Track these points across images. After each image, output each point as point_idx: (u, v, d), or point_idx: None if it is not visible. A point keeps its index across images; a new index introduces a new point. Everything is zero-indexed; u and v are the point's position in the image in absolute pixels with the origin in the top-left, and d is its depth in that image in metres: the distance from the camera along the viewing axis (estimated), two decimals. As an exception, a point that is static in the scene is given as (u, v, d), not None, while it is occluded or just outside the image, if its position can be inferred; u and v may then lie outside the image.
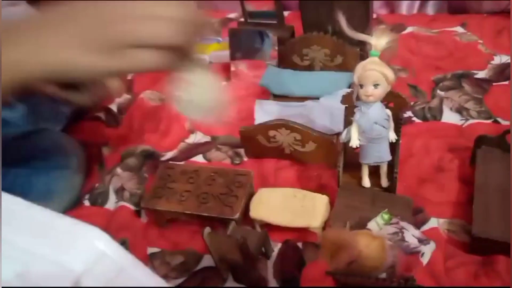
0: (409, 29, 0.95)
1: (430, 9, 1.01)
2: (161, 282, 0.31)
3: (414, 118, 0.75)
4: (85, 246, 0.26)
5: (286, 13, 1.08)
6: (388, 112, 0.56)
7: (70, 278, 0.25)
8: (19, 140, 0.69)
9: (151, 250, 0.63)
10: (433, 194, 0.63)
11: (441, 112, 0.75)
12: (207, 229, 0.52)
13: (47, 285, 0.26)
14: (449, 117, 0.74)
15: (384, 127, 0.56)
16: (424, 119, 0.75)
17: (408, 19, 0.98)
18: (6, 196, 0.31)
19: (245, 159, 0.75)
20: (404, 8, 1.02)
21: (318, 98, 0.77)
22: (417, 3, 1.01)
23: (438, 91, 0.79)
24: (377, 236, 0.42)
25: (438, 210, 0.61)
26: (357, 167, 0.62)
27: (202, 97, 0.47)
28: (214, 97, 0.48)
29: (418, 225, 0.59)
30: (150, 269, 0.28)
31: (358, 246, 0.39)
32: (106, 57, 0.40)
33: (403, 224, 0.48)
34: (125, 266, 0.27)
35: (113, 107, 0.91)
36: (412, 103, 0.78)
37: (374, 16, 0.97)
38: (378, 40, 0.52)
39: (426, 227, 0.59)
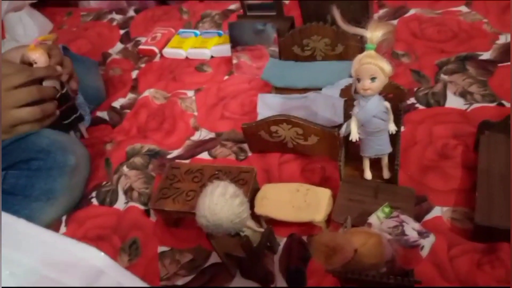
0: (412, 11, 0.94)
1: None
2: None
3: (418, 105, 0.75)
4: (84, 266, 0.28)
5: (286, 2, 1.07)
6: (387, 104, 0.56)
7: (70, 298, 0.27)
8: (17, 141, 0.70)
9: (161, 248, 0.65)
10: (437, 182, 0.63)
11: (444, 97, 0.74)
12: (211, 230, 0.53)
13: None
14: (453, 102, 0.73)
15: (383, 120, 0.56)
16: (428, 105, 0.74)
17: (411, 0, 0.97)
18: (11, 218, 0.33)
19: (250, 154, 0.75)
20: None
21: (320, 89, 0.77)
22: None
23: (442, 75, 0.78)
24: (373, 234, 0.43)
25: (441, 198, 0.61)
26: (360, 159, 0.62)
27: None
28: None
29: (421, 214, 0.59)
30: (146, 283, 0.29)
31: (354, 246, 0.39)
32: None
33: (403, 217, 0.48)
34: (122, 282, 0.29)
35: (117, 105, 0.92)
36: (415, 89, 0.77)
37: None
38: (373, 33, 0.51)
39: (429, 216, 0.59)
